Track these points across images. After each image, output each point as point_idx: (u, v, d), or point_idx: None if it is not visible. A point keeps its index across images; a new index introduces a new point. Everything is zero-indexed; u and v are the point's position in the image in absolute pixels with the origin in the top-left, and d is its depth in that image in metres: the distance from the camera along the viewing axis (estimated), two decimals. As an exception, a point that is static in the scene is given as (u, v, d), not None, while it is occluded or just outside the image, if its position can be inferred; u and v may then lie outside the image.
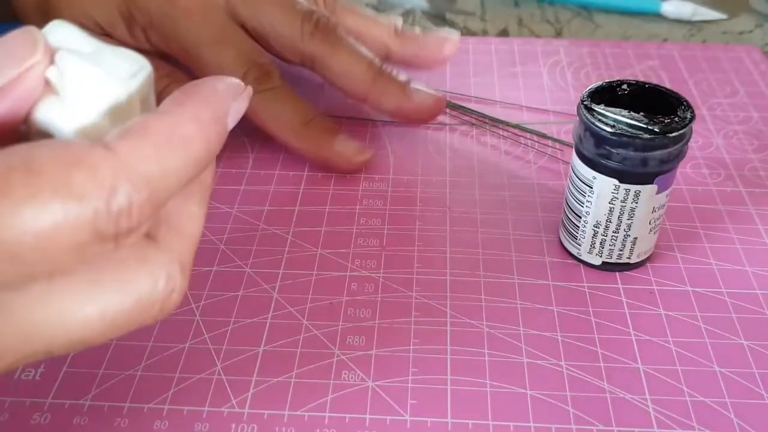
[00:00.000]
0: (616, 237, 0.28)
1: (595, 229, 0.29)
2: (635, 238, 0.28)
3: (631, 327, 0.28)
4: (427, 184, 0.35)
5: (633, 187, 0.27)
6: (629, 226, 0.28)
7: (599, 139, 0.27)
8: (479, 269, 0.30)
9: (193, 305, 0.29)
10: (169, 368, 0.26)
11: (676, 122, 0.26)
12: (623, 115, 0.26)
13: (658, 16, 0.51)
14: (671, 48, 0.46)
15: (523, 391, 0.26)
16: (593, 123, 0.27)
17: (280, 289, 0.29)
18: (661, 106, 0.27)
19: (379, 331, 0.28)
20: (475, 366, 0.27)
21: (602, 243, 0.29)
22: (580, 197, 0.29)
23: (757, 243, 0.32)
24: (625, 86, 0.28)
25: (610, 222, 0.28)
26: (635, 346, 0.27)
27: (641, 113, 0.27)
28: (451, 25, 0.50)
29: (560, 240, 0.31)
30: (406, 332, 0.28)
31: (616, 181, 0.27)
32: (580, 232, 0.29)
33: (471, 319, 0.28)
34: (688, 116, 0.27)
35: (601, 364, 0.27)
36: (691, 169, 0.36)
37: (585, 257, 0.30)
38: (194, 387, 0.26)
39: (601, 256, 0.29)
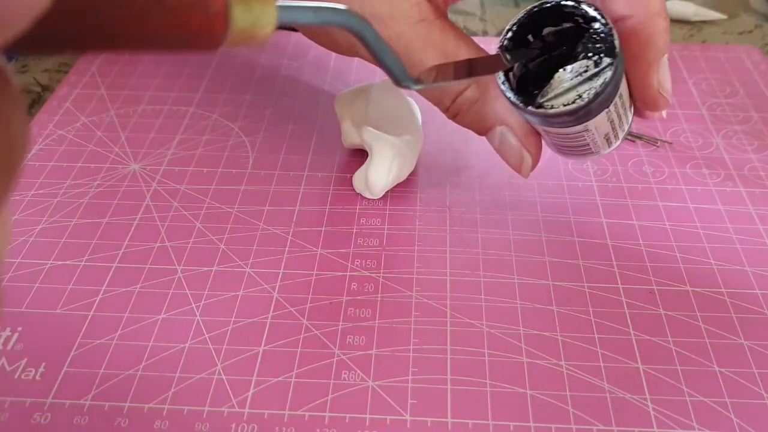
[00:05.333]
0: (623, 120, 0.27)
1: (606, 137, 0.27)
2: (630, 105, 0.27)
3: (631, 327, 0.28)
4: (427, 184, 0.35)
5: (616, 98, 0.25)
6: (625, 108, 0.27)
7: (570, 114, 0.25)
8: (479, 269, 0.30)
9: (193, 305, 0.29)
10: (169, 368, 0.26)
11: (602, 34, 0.24)
12: (563, 81, 0.25)
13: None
14: (671, 48, 0.46)
15: (523, 391, 0.26)
16: (551, 113, 0.24)
17: (280, 289, 0.29)
18: (566, 33, 0.25)
19: (379, 331, 0.28)
20: (475, 366, 0.27)
21: (615, 135, 0.27)
22: (580, 139, 0.27)
23: (757, 243, 0.32)
24: (512, 32, 0.26)
25: (614, 123, 0.27)
26: (635, 346, 0.27)
27: (563, 62, 0.25)
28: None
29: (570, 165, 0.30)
30: (406, 332, 0.28)
31: (606, 110, 0.25)
32: (594, 147, 0.28)
33: (471, 319, 0.28)
34: (601, 23, 0.24)
35: (601, 364, 0.27)
36: (691, 169, 0.36)
37: (607, 151, 0.28)
38: (194, 387, 0.26)
39: (618, 138, 0.28)
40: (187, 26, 0.13)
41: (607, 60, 0.24)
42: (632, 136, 0.38)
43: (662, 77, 0.27)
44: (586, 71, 0.25)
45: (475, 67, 0.24)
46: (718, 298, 0.29)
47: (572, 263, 0.31)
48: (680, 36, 0.49)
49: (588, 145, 0.27)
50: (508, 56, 0.25)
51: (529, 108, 0.25)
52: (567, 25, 0.26)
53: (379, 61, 0.20)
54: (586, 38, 0.25)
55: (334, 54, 0.44)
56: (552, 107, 0.25)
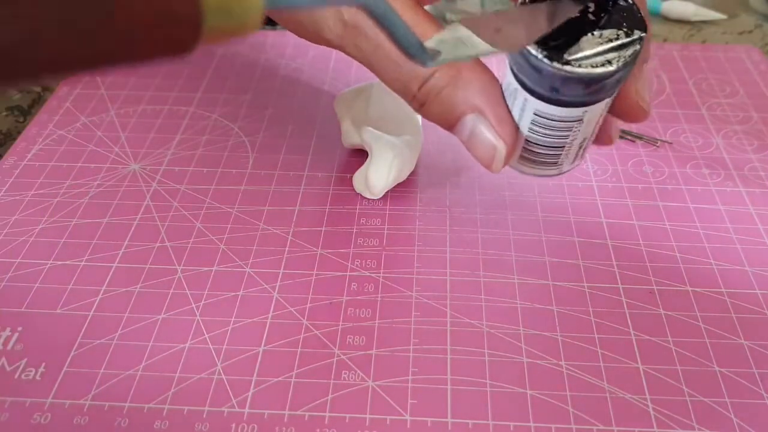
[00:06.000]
0: (596, 132, 0.26)
1: (582, 144, 0.26)
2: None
3: (631, 327, 0.28)
4: (427, 184, 0.35)
5: (617, 89, 0.25)
6: (606, 112, 0.26)
7: (593, 81, 0.24)
8: (479, 269, 0.30)
9: (193, 305, 0.29)
10: (169, 368, 0.26)
11: (627, 9, 0.24)
12: (591, 43, 0.24)
13: (658, 16, 0.51)
14: (671, 48, 0.46)
15: (523, 391, 0.26)
16: (576, 73, 0.23)
17: (280, 289, 0.29)
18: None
19: (379, 331, 0.28)
20: (475, 366, 0.27)
21: (585, 148, 0.27)
22: (563, 134, 0.26)
23: (757, 243, 0.32)
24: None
25: (595, 129, 0.26)
26: (635, 346, 0.27)
27: (591, 28, 0.24)
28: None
29: (521, 171, 0.28)
30: (406, 332, 0.28)
31: (607, 99, 0.25)
32: (562, 158, 0.27)
33: (471, 319, 0.28)
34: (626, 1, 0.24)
35: (601, 364, 0.27)
36: (691, 169, 0.36)
37: (565, 170, 0.27)
38: (194, 387, 0.26)
39: (581, 158, 0.27)
40: (153, 24, 0.12)
41: (638, 32, 0.24)
42: (632, 136, 0.38)
43: (641, 87, 0.26)
44: (617, 38, 0.24)
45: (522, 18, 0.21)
46: (718, 298, 0.29)
47: (572, 263, 0.31)
48: (680, 36, 0.49)
49: (563, 147, 0.26)
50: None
51: (555, 64, 0.23)
52: None
53: (390, 36, 0.18)
54: (613, 9, 0.24)
55: (334, 54, 0.44)
56: (580, 66, 0.23)
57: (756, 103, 0.41)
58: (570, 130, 0.25)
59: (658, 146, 0.37)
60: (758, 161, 0.36)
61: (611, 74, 0.23)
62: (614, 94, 0.25)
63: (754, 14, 0.52)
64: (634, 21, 0.24)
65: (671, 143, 0.38)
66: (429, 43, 0.20)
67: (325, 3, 0.15)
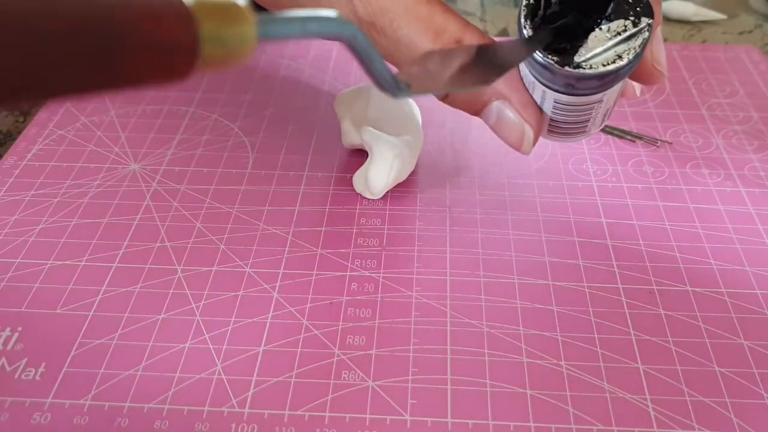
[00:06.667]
0: (618, 98, 0.27)
1: (606, 113, 0.27)
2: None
3: (631, 327, 0.28)
4: (427, 184, 0.35)
5: (642, 56, 0.24)
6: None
7: (606, 76, 0.24)
8: (479, 269, 0.30)
9: (193, 305, 0.29)
10: (169, 368, 0.26)
11: (639, 4, 0.24)
12: (600, 40, 0.24)
13: (658, 16, 0.51)
14: (671, 48, 0.46)
15: (523, 391, 0.26)
16: (589, 74, 0.23)
17: (280, 289, 0.29)
18: None
19: (379, 331, 0.28)
20: (475, 366, 0.27)
21: (609, 115, 0.27)
22: (585, 113, 0.26)
23: (757, 243, 0.32)
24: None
25: (617, 99, 0.26)
26: (635, 346, 0.27)
27: (598, 22, 0.24)
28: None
29: (551, 140, 0.29)
30: (406, 332, 0.28)
31: (621, 82, 0.25)
32: (588, 126, 0.27)
33: (471, 319, 0.28)
34: None
35: (601, 364, 0.27)
36: (691, 169, 0.36)
37: (593, 133, 0.28)
38: (194, 387, 0.26)
39: (606, 121, 0.28)
40: (151, 61, 0.13)
41: (645, 20, 0.24)
42: (632, 136, 0.38)
43: (656, 50, 0.26)
44: (624, 30, 0.24)
45: (487, 56, 0.22)
46: (718, 298, 0.29)
47: (572, 263, 0.31)
48: (680, 36, 0.49)
49: (589, 121, 0.26)
50: (528, 29, 0.24)
51: (566, 69, 0.23)
52: None
53: (367, 69, 0.19)
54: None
55: (334, 54, 0.44)
56: (591, 67, 0.23)
57: (756, 103, 0.41)
58: (592, 110, 0.26)
59: (658, 146, 0.37)
60: (758, 161, 0.36)
61: (624, 67, 0.23)
62: (630, 73, 0.24)
63: (754, 14, 0.52)
64: (642, 7, 0.24)
65: (671, 143, 0.38)
66: (400, 77, 0.20)
67: (315, 34, 0.16)
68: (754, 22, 0.51)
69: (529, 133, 0.27)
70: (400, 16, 0.26)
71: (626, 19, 0.24)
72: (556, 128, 0.27)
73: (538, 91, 0.26)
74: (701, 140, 0.38)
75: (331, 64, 0.44)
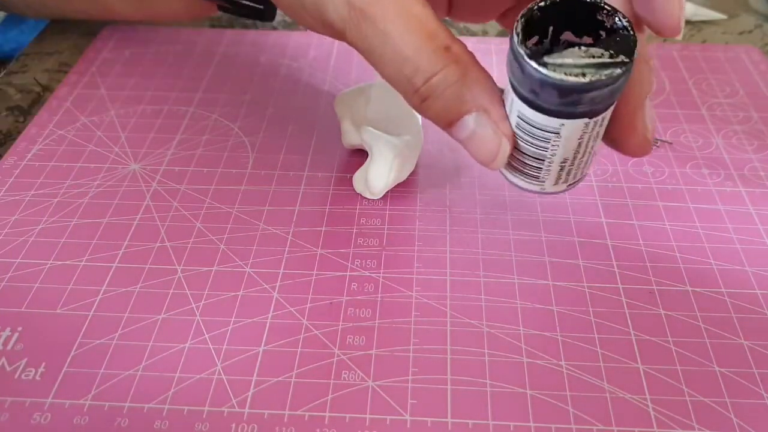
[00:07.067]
0: (583, 161, 0.26)
1: (562, 164, 0.26)
2: (595, 153, 0.27)
3: (631, 327, 0.28)
4: (427, 184, 0.35)
5: (601, 116, 0.25)
6: (593, 147, 0.26)
7: (565, 90, 0.23)
8: (479, 269, 0.30)
9: (193, 305, 0.29)
10: (169, 368, 0.26)
11: (624, 36, 0.24)
12: (574, 55, 0.24)
13: (658, 16, 0.51)
14: (671, 48, 0.46)
15: (523, 391, 0.26)
16: (551, 78, 0.23)
17: (280, 289, 0.29)
18: (577, 11, 0.24)
19: (379, 331, 0.28)
20: (475, 366, 0.27)
21: (569, 172, 0.27)
22: (543, 144, 0.26)
23: (757, 243, 0.32)
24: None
25: (578, 153, 0.26)
26: (635, 346, 0.27)
27: (580, 38, 0.24)
28: (451, 25, 0.50)
29: (508, 179, 0.28)
30: (406, 332, 0.28)
31: (586, 119, 0.24)
32: (543, 173, 0.27)
33: (471, 319, 0.28)
34: (624, 22, 0.24)
35: (601, 364, 0.27)
36: (691, 169, 0.36)
37: (550, 189, 0.27)
38: (194, 387, 0.26)
39: (566, 183, 0.27)
40: None
41: (623, 57, 0.24)
42: None
43: (649, 119, 0.26)
44: (600, 57, 0.24)
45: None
46: (718, 298, 0.29)
47: (572, 263, 0.31)
48: (680, 36, 0.49)
49: (544, 160, 0.26)
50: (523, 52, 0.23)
51: (532, 62, 0.23)
52: (602, 16, 0.24)
53: None
54: (610, 34, 0.24)
55: (334, 54, 0.44)
56: (555, 70, 0.23)
57: (756, 103, 0.41)
58: (548, 142, 0.25)
59: (658, 146, 0.37)
60: (758, 161, 0.36)
61: (583, 86, 0.23)
62: (594, 118, 0.24)
63: (754, 14, 0.52)
64: (624, 47, 0.24)
65: (671, 143, 0.38)
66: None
67: None
68: (754, 22, 0.51)
69: (506, 147, 0.26)
70: (394, 8, 0.25)
71: (606, 50, 0.24)
72: (513, 158, 0.27)
73: (509, 102, 0.25)
74: (701, 140, 0.38)
75: (331, 64, 0.44)
